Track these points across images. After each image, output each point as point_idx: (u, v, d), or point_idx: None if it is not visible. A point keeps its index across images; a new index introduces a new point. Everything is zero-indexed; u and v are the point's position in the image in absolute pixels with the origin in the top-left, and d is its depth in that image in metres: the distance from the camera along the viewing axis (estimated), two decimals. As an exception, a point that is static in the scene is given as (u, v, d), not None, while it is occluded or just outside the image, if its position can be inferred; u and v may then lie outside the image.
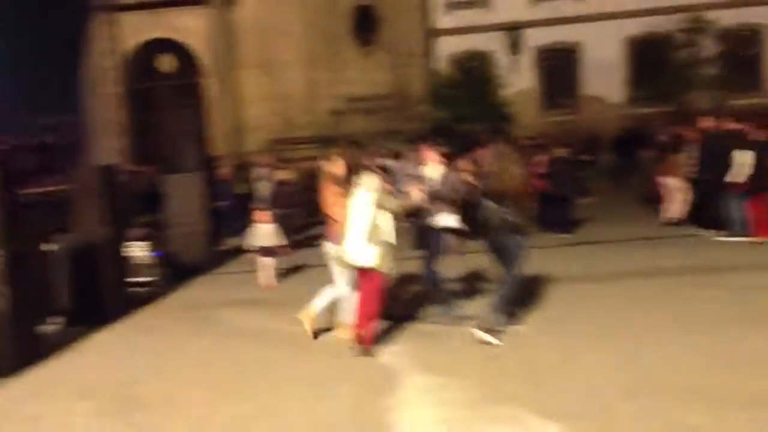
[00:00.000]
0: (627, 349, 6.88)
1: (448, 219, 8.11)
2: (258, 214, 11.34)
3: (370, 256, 7.11)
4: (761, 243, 11.35)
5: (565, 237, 13.71)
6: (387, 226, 7.24)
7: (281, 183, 15.58)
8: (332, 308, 8.05)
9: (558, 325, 7.80)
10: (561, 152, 14.52)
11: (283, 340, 8.12)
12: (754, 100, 24.33)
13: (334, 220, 7.70)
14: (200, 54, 26.20)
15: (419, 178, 8.19)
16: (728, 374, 6.04)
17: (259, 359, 7.45)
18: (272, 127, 26.16)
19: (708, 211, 12.81)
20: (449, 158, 8.85)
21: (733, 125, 12.77)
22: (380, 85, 26.28)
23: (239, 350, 7.87)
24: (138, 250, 11.38)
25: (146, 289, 11.13)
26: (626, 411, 5.48)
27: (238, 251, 15.35)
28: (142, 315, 9.98)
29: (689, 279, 9.60)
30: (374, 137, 23.62)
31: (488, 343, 7.19)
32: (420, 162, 8.53)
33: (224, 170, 18.76)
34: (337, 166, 7.88)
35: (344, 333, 7.75)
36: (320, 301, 8.00)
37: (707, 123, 13.38)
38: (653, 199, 16.22)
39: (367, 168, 7.58)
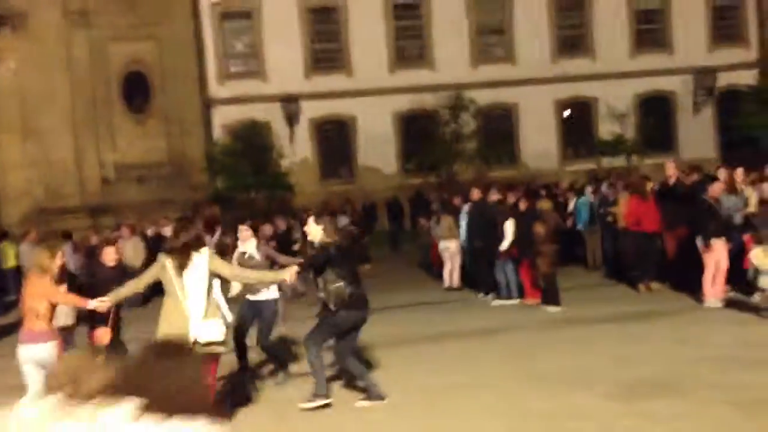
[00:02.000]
0: (414, 413, 7.15)
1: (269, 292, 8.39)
2: None
3: (217, 332, 6.63)
4: (533, 305, 12.29)
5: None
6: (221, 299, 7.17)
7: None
8: None
9: (348, 390, 7.92)
10: (342, 221, 14.96)
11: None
12: (512, 172, 26.65)
13: (37, 316, 6.54)
14: (-48, 116, 24.13)
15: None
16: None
17: None
18: (36, 196, 24.48)
19: (480, 276, 13.72)
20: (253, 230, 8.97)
21: (496, 196, 13.87)
22: (154, 153, 25.62)
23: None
24: None
25: None
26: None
27: (4, 330, 14.07)
28: None
29: (472, 341, 10.20)
30: (149, 206, 22.90)
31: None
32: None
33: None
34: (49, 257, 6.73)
35: None
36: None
37: (476, 194, 14.42)
38: (432, 265, 17.12)
39: (200, 241, 6.97)
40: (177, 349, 2.60)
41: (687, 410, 6.61)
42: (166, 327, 6.56)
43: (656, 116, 28.80)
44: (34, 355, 6.47)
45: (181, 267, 6.58)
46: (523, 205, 12.99)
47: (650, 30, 29.50)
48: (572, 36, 29.22)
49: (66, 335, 10.02)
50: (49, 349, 6.45)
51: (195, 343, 6.34)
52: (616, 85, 28.27)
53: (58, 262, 6.73)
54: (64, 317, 10.07)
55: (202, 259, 6.68)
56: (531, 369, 8.43)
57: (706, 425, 6.26)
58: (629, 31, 29.22)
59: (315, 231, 7.46)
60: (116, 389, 2.44)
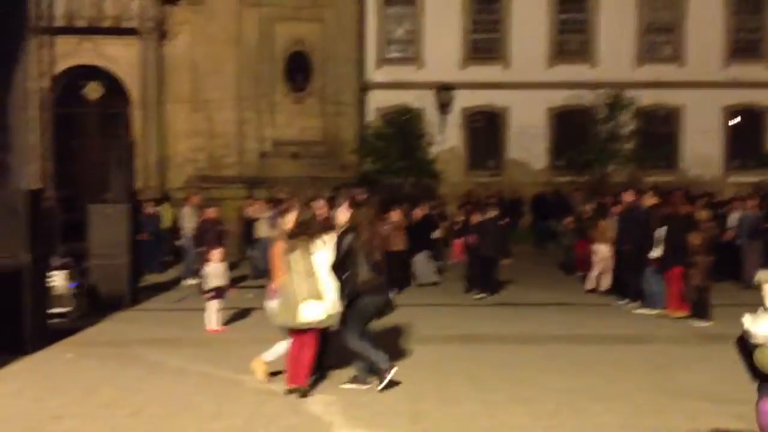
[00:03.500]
0: (548, 411, 7.03)
1: None
2: (211, 253, 10.93)
3: (324, 313, 7.21)
4: (676, 317, 11.78)
5: (489, 297, 13.98)
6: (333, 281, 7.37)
7: (207, 221, 15.40)
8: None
9: (482, 384, 7.90)
10: (490, 213, 14.85)
11: (208, 382, 7.96)
12: (670, 178, 25.51)
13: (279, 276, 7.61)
14: (129, 84, 25.77)
15: None
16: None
17: (184, 403, 7.27)
18: (198, 164, 25.83)
19: (627, 282, 13.26)
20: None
21: (651, 200, 13.31)
22: (309, 132, 26.37)
23: (163, 391, 7.67)
24: (57, 280, 10.99)
25: (63, 320, 10.73)
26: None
27: (159, 287, 15.08)
28: (61, 348, 9.61)
29: (608, 348, 9.90)
30: (301, 182, 23.65)
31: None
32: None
33: (149, 203, 18.39)
34: (290, 221, 7.72)
35: (263, 373, 7.83)
36: (273, 353, 7.93)
37: (629, 196, 13.94)
38: (574, 266, 16.74)
39: (328, 224, 7.66)
40: None
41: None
42: (284, 306, 7.25)
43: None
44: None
45: (305, 248, 7.23)
46: (678, 212, 12.44)
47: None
48: (748, 40, 27.50)
49: (219, 293, 10.63)
50: None
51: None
52: (792, 93, 26.44)
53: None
54: (217, 279, 10.67)
55: (325, 244, 7.29)
56: (668, 383, 8.09)
57: None
58: (811, 38, 27.22)
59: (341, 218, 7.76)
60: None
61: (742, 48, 27.39)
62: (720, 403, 7.30)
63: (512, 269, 17.07)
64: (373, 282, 7.58)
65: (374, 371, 7.67)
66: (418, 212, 16.64)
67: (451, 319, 11.93)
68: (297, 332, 7.34)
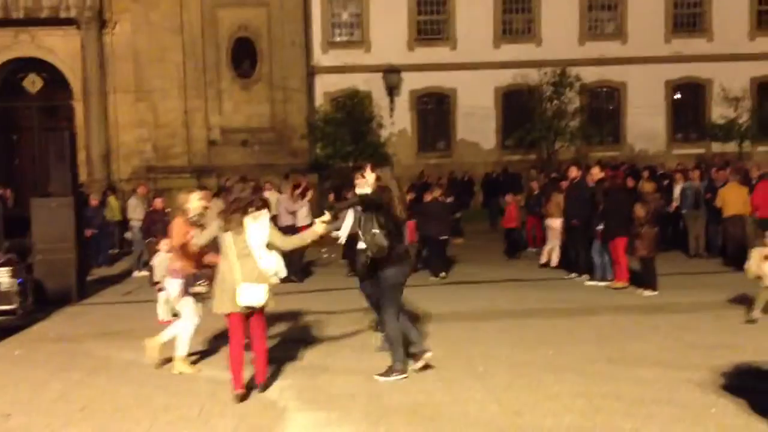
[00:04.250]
0: (501, 385, 7.11)
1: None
2: (160, 244, 10.73)
3: (262, 295, 6.81)
4: (623, 287, 12.00)
5: (442, 276, 14.04)
6: (274, 262, 7.01)
7: (154, 211, 15.19)
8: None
9: (437, 362, 7.94)
10: (437, 194, 14.90)
11: (159, 374, 7.86)
12: (616, 153, 25.90)
13: (181, 255, 7.66)
14: (70, 76, 25.21)
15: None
16: (604, 415, 6.34)
17: (135, 395, 7.17)
18: (145, 155, 25.43)
19: (576, 256, 13.46)
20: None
21: (599, 175, 13.48)
22: (258, 118, 26.13)
23: (114, 385, 7.54)
24: (1, 277, 10.70)
25: (10, 317, 10.47)
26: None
27: (108, 280, 14.82)
28: (8, 345, 9.39)
29: (559, 320, 10.04)
30: (251, 170, 23.43)
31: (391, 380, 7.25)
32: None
33: (94, 196, 18.04)
34: (189, 201, 7.77)
35: (185, 367, 7.77)
36: (168, 333, 7.94)
37: (574, 172, 14.10)
38: (525, 242, 16.93)
39: (257, 203, 7.18)
40: None
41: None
42: (219, 291, 6.90)
43: (773, 101, 27.45)
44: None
45: (235, 230, 6.80)
46: (622, 185, 12.65)
47: (771, 11, 27.96)
48: (688, 15, 27.99)
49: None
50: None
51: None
52: (732, 67, 26.96)
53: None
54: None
55: (259, 224, 6.85)
56: (617, 352, 8.24)
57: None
58: (749, 12, 27.75)
59: (369, 179, 7.32)
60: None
61: (683, 23, 27.87)
62: (668, 369, 7.46)
63: (464, 248, 17.22)
64: (400, 250, 7.28)
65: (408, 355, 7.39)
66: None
67: (405, 299, 11.95)
68: (236, 318, 6.91)
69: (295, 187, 15.48)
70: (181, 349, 7.85)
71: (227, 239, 6.85)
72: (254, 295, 6.76)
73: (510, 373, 7.51)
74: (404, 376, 7.32)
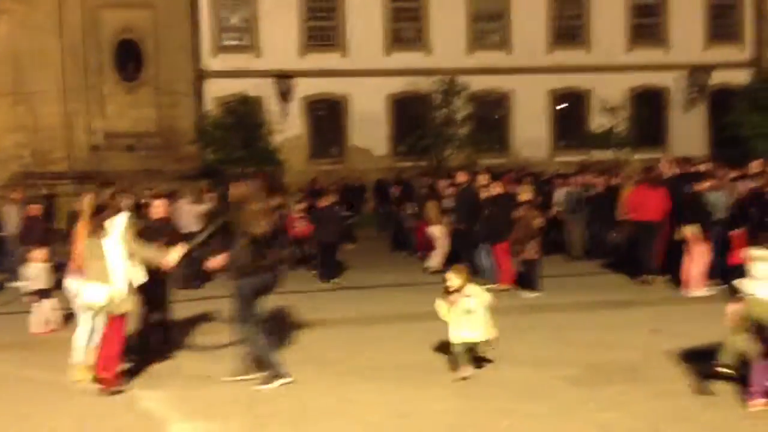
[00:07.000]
0: (390, 387, 7.19)
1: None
2: (33, 253, 10.34)
3: (104, 296, 7.06)
4: (505, 290, 12.33)
5: (334, 282, 14.05)
6: (131, 266, 7.22)
7: (30, 218, 14.58)
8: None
9: (329, 367, 7.95)
10: (330, 200, 14.92)
11: (36, 387, 7.54)
12: (503, 160, 26.62)
13: (77, 257, 7.71)
14: (-59, 77, 23.91)
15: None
16: (481, 414, 6.49)
17: (11, 410, 6.85)
18: (24, 160, 24.36)
19: (463, 259, 13.71)
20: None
21: (486, 181, 13.80)
22: (144, 123, 25.49)
23: (-13, 400, 7.18)
24: None
25: None
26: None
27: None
28: None
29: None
30: (137, 176, 22.81)
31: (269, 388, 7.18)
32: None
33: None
34: (85, 204, 7.69)
35: (82, 375, 7.54)
36: (79, 347, 7.66)
37: (462, 177, 14.42)
38: (415, 247, 17.15)
39: (117, 208, 7.39)
40: None
41: (645, 397, 6.66)
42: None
43: (649, 111, 28.81)
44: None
45: (95, 234, 7.19)
46: (501, 190, 13.00)
47: (647, 25, 29.37)
48: (569, 26, 29.09)
49: (43, 295, 10.06)
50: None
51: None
52: (610, 78, 28.19)
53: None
54: (40, 281, 10.10)
55: (114, 228, 7.18)
56: (494, 352, 8.45)
57: (666, 413, 6.31)
58: (626, 25, 29.11)
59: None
60: None
61: (564, 34, 28.94)
62: (545, 367, 7.72)
63: (355, 253, 17.30)
64: (252, 264, 7.20)
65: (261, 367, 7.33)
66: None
67: (297, 305, 11.89)
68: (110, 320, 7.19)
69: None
70: (77, 356, 7.63)
71: (89, 240, 7.23)
72: (95, 295, 7.11)
73: (397, 375, 7.63)
74: (288, 380, 7.26)
